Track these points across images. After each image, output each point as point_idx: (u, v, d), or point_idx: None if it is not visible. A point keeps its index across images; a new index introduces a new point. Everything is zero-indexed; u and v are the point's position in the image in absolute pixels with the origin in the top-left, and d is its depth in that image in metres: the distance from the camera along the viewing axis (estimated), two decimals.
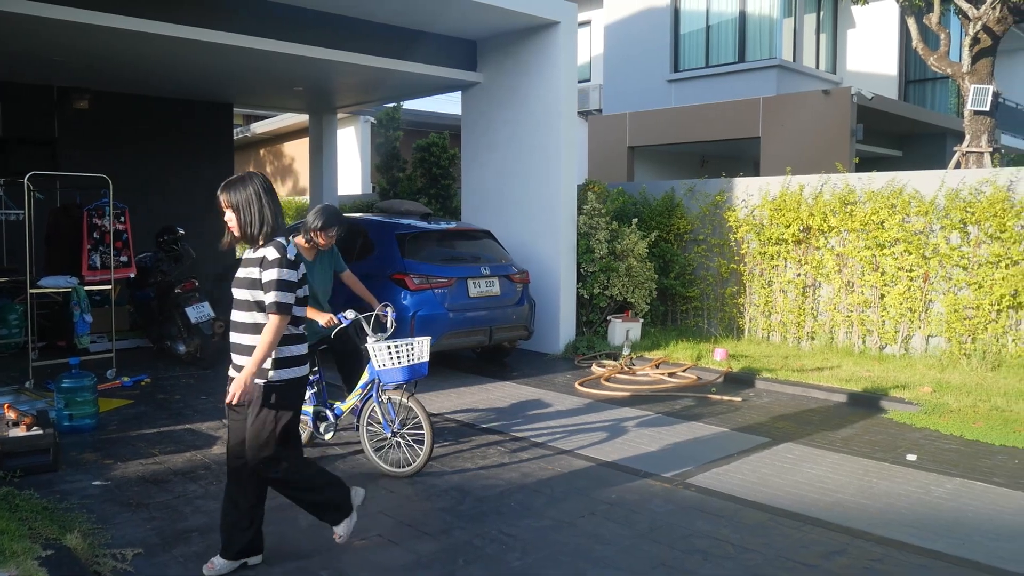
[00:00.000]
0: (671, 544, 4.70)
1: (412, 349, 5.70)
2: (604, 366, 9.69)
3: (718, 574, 4.32)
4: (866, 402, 8.11)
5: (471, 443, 6.72)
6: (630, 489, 5.65)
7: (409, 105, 18.65)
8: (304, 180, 21.65)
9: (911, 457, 6.35)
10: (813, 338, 10.61)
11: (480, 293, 9.13)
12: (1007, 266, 9.03)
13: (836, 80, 17.93)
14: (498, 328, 9.28)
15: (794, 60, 16.67)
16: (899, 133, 18.13)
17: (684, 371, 9.36)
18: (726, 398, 8.33)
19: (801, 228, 10.56)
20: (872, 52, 18.61)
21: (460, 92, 12.21)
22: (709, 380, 9.04)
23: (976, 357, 9.12)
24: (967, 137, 12.30)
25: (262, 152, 25.50)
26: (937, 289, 9.59)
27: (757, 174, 14.21)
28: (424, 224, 9.53)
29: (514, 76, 11.14)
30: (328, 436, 6.22)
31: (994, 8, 12.12)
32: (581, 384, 8.86)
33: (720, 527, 4.95)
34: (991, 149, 12.07)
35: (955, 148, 12.57)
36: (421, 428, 5.80)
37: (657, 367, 9.54)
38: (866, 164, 14.45)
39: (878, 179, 10.11)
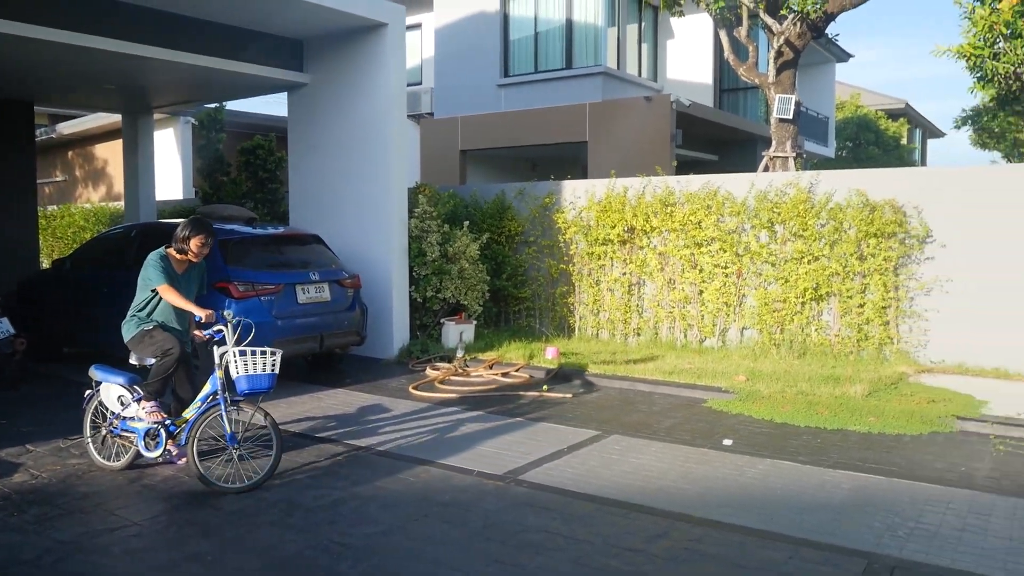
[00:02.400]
0: (504, 540, 4.75)
1: (267, 359, 5.64)
2: (438, 369, 9.70)
3: (549, 565, 4.40)
4: (687, 392, 8.54)
5: (303, 454, 6.53)
6: (464, 489, 5.67)
7: (233, 106, 17.96)
8: (119, 185, 20.37)
9: (727, 442, 6.73)
10: (639, 334, 11.06)
11: (309, 299, 8.90)
12: (809, 262, 9.76)
13: (657, 88, 18.79)
14: (329, 335, 9.09)
15: (618, 68, 17.32)
16: (715, 138, 19.21)
17: (517, 371, 9.51)
18: (557, 395, 8.53)
19: (626, 229, 10.99)
20: (689, 62, 19.64)
21: (286, 93, 11.87)
22: (541, 378, 9.24)
23: (784, 346, 9.81)
24: (774, 143, 13.19)
25: (70, 155, 23.75)
26: (749, 284, 10.24)
27: (585, 177, 14.65)
28: (249, 229, 9.18)
29: (342, 78, 10.95)
30: (156, 454, 5.91)
31: (795, 24, 13.07)
32: (415, 388, 8.82)
33: (551, 520, 5.05)
34: (795, 154, 13.00)
35: (763, 153, 13.46)
36: (265, 439, 5.77)
37: (491, 368, 9.64)
38: (685, 168, 15.23)
39: (695, 182, 10.68)
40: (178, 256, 6.02)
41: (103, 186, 22.80)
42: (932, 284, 9.29)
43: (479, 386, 8.91)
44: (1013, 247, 8.88)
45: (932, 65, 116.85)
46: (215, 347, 5.72)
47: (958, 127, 27.93)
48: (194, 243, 5.97)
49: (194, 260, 6.11)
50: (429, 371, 9.65)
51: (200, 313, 5.70)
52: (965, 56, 12.40)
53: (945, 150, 76.41)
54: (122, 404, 5.92)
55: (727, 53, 13.94)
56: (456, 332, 10.73)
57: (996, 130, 29.42)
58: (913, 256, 9.40)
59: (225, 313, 5.88)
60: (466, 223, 11.33)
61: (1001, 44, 12.34)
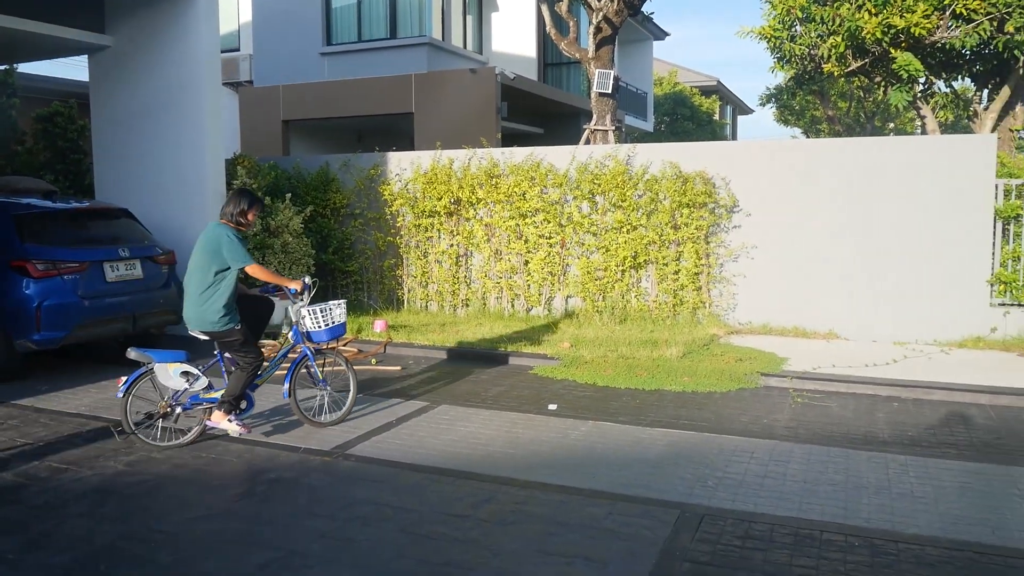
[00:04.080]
0: (331, 515, 4.68)
1: (337, 310, 6.35)
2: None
3: (378, 537, 4.39)
4: (515, 361, 8.72)
5: (115, 441, 6.16)
6: (289, 467, 5.54)
7: (26, 68, 16.45)
8: None
9: (552, 407, 6.94)
10: (468, 305, 11.17)
11: (119, 277, 8.35)
12: (628, 231, 10.17)
13: (483, 60, 18.88)
14: (143, 314, 8.58)
15: (443, 39, 17.26)
16: (541, 111, 19.57)
17: (345, 345, 9.36)
18: (387, 368, 8.48)
19: (452, 200, 11.02)
20: (514, 35, 19.84)
21: (87, 57, 10.99)
22: (370, 352, 9.14)
23: (607, 313, 10.20)
24: (594, 116, 13.58)
25: None
26: (572, 254, 10.55)
27: (412, 148, 14.55)
28: (48, 203, 8.50)
29: (150, 40, 10.25)
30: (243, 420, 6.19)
31: (612, 1, 13.46)
32: None
33: (379, 492, 5.03)
34: (614, 127, 13.44)
35: (585, 126, 13.84)
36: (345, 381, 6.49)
37: None
38: (511, 140, 15.46)
39: (519, 153, 10.85)
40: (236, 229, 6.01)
41: None
42: (739, 251, 9.93)
43: None
44: (809, 215, 9.63)
45: (741, 46, 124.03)
46: (289, 305, 6.34)
47: (763, 104, 29.81)
48: (252, 215, 6.05)
49: (247, 232, 6.38)
50: None
51: (296, 287, 6.24)
52: (766, 38, 13.25)
53: (755, 126, 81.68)
54: (187, 380, 5.95)
55: (548, 27, 14.17)
56: (281, 308, 10.39)
57: (796, 108, 31.67)
58: (722, 225, 10.00)
59: (307, 279, 6.39)
60: (288, 195, 10.99)
61: (798, 27, 13.26)
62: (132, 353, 5.92)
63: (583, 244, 10.46)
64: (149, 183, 10.40)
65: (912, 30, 11.68)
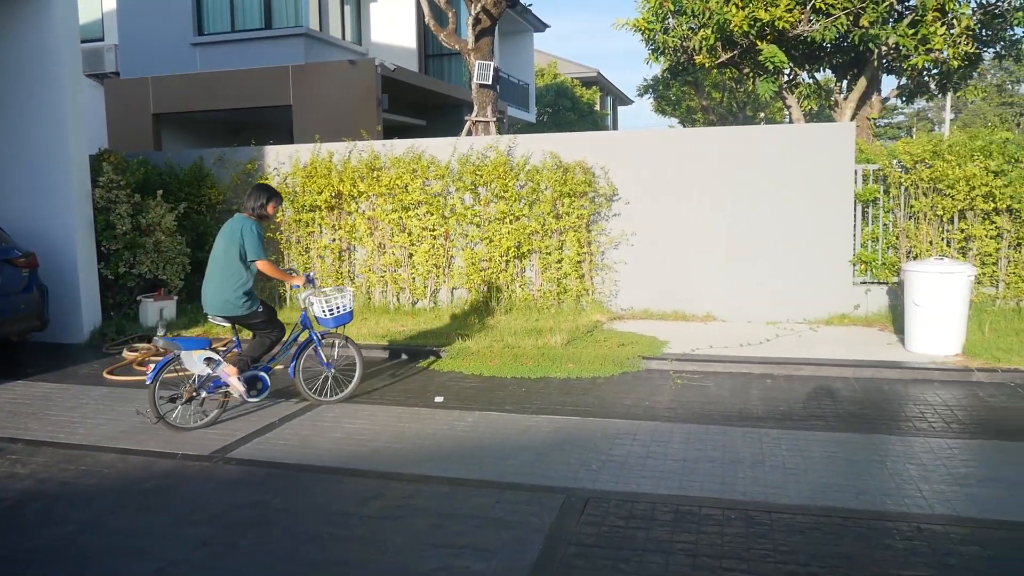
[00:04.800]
0: (212, 522, 4.54)
1: (346, 298, 6.80)
2: (136, 350, 9.00)
3: (263, 540, 4.28)
4: (401, 354, 8.66)
5: None
6: (167, 474, 5.33)
7: None
8: None
9: (439, 399, 6.93)
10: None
11: None
12: (511, 221, 10.24)
13: (362, 51, 18.60)
14: (2, 321, 8.09)
15: (321, 30, 16.90)
16: (423, 103, 19.43)
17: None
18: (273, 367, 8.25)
19: (333, 194, 10.82)
20: (394, 26, 19.63)
21: None
22: None
23: (492, 303, 10.25)
24: (475, 108, 13.60)
25: None
26: (457, 245, 10.55)
27: (291, 142, 14.21)
28: None
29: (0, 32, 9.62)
30: (261, 399, 6.62)
31: None
32: (110, 372, 8.14)
33: (263, 495, 4.91)
34: (495, 119, 13.50)
35: (466, 118, 13.84)
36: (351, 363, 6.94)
37: None
38: (394, 132, 15.31)
39: (399, 146, 10.76)
40: (258, 222, 6.44)
41: None
42: (619, 238, 10.16)
43: None
44: (685, 202, 9.94)
45: (620, 38, 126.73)
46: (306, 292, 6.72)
47: (641, 95, 30.59)
48: (271, 209, 6.48)
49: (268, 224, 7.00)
50: (126, 353, 8.93)
51: (298, 282, 6.65)
52: (640, 30, 13.57)
53: (636, 116, 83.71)
54: (210, 365, 6.24)
55: (427, 18, 14.09)
56: (155, 309, 10.01)
57: (673, 98, 32.61)
58: (603, 213, 10.20)
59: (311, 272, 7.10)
60: (160, 192, 10.54)
61: (670, 20, 13.64)
62: (160, 343, 6.41)
63: (467, 235, 10.47)
64: (6, 182, 9.77)
65: (776, 23, 12.21)
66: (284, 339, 6.69)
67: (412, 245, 10.66)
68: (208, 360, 6.25)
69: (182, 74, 15.96)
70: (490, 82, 13.38)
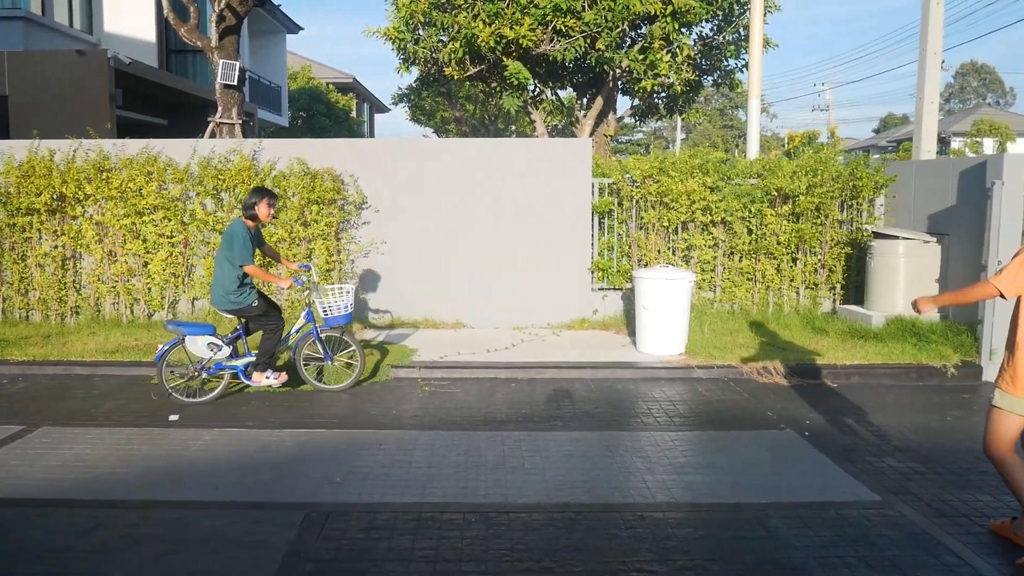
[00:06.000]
0: None
1: (347, 297, 7.36)
2: None
3: None
4: (133, 371, 8.04)
5: None
6: None
7: None
8: None
9: (173, 417, 6.52)
10: (78, 312, 10.08)
11: None
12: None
13: (93, 41, 17.17)
14: None
15: (44, 14, 15.39)
16: (165, 102, 18.27)
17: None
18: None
19: (55, 197, 9.85)
20: (131, 17, 18.32)
21: None
22: None
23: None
24: (219, 109, 12.97)
25: None
26: (197, 253, 9.98)
27: (8, 137, 12.77)
28: None
29: None
30: (270, 382, 7.17)
31: None
32: None
33: None
34: (241, 121, 12.95)
35: (209, 119, 13.16)
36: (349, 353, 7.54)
37: None
38: (132, 131, 14.22)
39: (133, 146, 10.01)
40: (251, 224, 6.92)
41: None
42: (370, 247, 10.10)
43: None
44: (436, 210, 10.08)
45: (376, 45, 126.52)
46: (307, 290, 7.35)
47: (396, 103, 30.68)
48: (261, 210, 6.87)
49: (264, 222, 7.17)
50: None
51: (284, 284, 7.20)
52: (391, 39, 13.61)
53: (393, 124, 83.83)
54: (212, 350, 6.93)
55: (166, 11, 13.25)
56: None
57: (427, 108, 33.04)
58: (352, 221, 10.10)
59: (300, 270, 7.58)
60: None
61: (421, 31, 13.81)
62: (168, 327, 7.02)
63: (208, 243, 9.94)
64: None
65: (521, 41, 12.74)
66: (285, 327, 7.25)
67: (148, 253, 9.94)
68: (211, 345, 6.92)
69: None
70: (235, 83, 12.81)
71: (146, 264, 9.97)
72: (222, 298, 6.88)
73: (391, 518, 4.58)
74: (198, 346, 6.93)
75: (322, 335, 7.37)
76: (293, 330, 7.39)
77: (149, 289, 10.02)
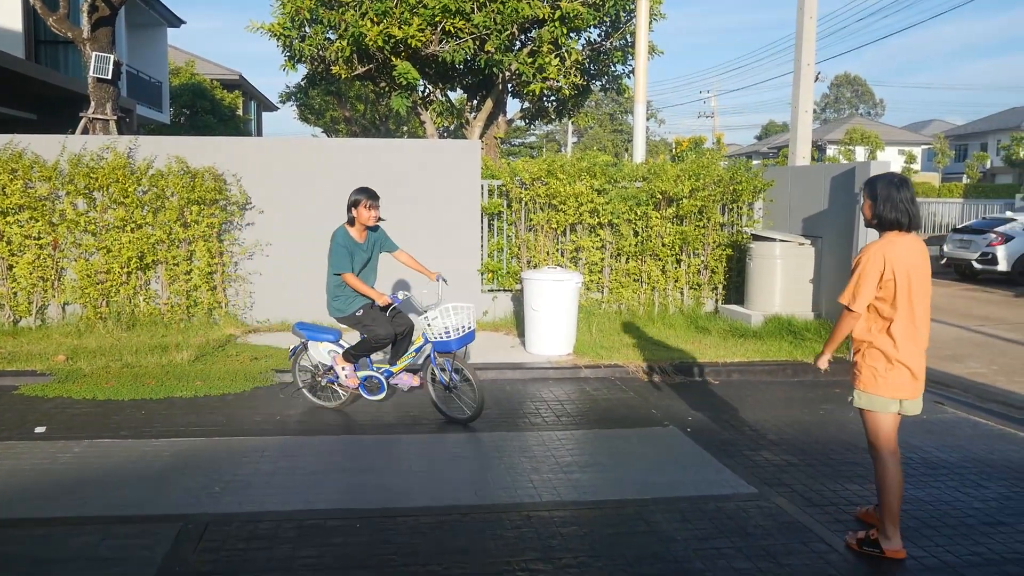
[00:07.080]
0: None
1: (463, 318, 6.44)
2: None
3: None
4: None
5: None
6: None
7: None
8: None
9: (39, 429, 6.15)
10: None
11: None
12: (132, 230, 9.44)
13: None
14: None
15: None
16: (33, 95, 17.24)
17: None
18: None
19: None
20: None
21: None
22: None
23: (112, 319, 9.37)
24: (92, 104, 12.37)
25: None
26: (69, 255, 9.48)
27: None
28: None
29: None
30: (380, 397, 6.81)
31: None
32: None
33: None
34: (116, 117, 12.38)
35: (82, 114, 12.53)
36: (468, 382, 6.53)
37: None
38: None
39: None
40: (352, 229, 6.44)
41: None
42: (254, 248, 9.83)
43: None
44: (322, 212, 9.87)
45: (263, 41, 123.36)
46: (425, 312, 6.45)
47: (283, 102, 29.97)
48: (359, 212, 6.37)
49: (370, 226, 6.52)
50: None
51: (380, 301, 6.36)
52: (276, 35, 13.29)
53: (282, 123, 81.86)
54: (332, 357, 6.65)
55: (33, 0, 12.54)
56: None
57: (316, 107, 32.41)
58: (235, 222, 9.80)
59: (400, 295, 6.75)
60: None
61: (307, 28, 13.53)
62: (295, 329, 6.87)
63: (80, 245, 9.45)
64: None
65: (410, 41, 12.64)
66: (386, 342, 6.54)
67: (12, 256, 9.37)
68: (331, 352, 6.70)
69: None
70: (110, 76, 12.25)
71: (11, 267, 9.40)
72: (328, 303, 6.57)
73: (273, 526, 4.45)
74: (319, 352, 6.77)
75: (439, 362, 6.55)
76: (415, 348, 6.72)
77: (15, 294, 9.45)
